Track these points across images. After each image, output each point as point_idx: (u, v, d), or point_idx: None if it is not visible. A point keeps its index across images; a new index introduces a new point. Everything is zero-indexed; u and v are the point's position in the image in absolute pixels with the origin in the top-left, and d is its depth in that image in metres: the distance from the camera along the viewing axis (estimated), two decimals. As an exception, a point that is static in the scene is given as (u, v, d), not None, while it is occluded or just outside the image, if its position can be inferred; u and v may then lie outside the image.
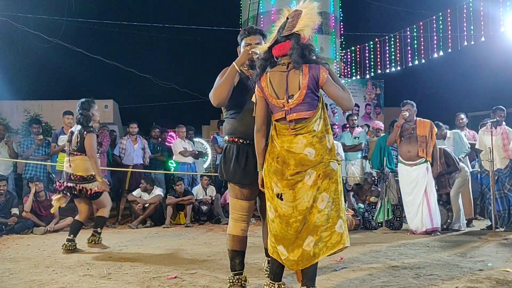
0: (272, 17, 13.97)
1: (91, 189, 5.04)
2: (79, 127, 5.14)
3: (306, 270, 2.80)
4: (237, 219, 3.16)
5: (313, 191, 2.73)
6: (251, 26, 3.36)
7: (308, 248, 2.73)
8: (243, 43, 3.25)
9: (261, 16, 14.03)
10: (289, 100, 2.83)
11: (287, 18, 2.92)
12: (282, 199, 2.80)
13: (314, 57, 2.87)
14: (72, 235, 5.05)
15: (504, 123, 6.44)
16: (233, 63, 3.09)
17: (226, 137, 3.19)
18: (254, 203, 3.26)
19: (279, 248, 2.84)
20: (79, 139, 5.07)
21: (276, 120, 2.90)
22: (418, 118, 6.20)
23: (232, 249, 3.15)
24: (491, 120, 6.32)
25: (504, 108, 6.58)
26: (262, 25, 13.98)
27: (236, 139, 3.12)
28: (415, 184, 6.04)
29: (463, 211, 6.53)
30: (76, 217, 5.33)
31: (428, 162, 6.03)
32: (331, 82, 2.82)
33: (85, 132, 5.05)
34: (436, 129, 6.21)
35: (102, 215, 5.27)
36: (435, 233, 5.90)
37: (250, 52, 3.08)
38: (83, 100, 5.22)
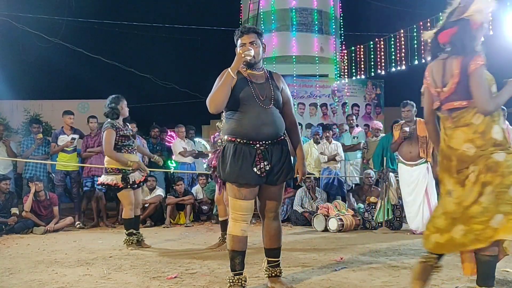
0: (271, 17, 14.00)
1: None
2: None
3: (479, 268, 2.70)
4: (236, 219, 3.15)
5: (478, 187, 2.63)
6: (244, 25, 3.35)
7: (456, 236, 2.66)
8: (238, 43, 3.26)
9: (261, 16, 14.04)
10: (444, 89, 2.77)
11: (459, 3, 2.79)
12: (451, 196, 2.73)
13: (476, 47, 2.72)
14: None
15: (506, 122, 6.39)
16: (228, 69, 3.09)
17: (225, 137, 3.21)
18: (254, 203, 3.25)
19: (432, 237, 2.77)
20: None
21: (437, 111, 2.85)
22: (418, 119, 6.19)
23: (232, 249, 3.15)
24: None
25: (504, 107, 6.57)
26: (262, 25, 13.99)
27: (234, 139, 3.11)
28: (416, 184, 6.03)
29: None
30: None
31: (429, 163, 6.02)
32: (477, 75, 2.64)
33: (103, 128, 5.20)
34: None
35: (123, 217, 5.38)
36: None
37: (243, 55, 3.07)
38: (113, 96, 5.30)
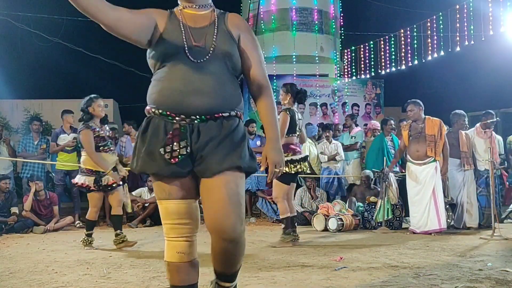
0: (271, 17, 13.99)
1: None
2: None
3: None
4: (168, 233, 2.07)
5: None
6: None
7: None
8: None
9: (261, 16, 14.04)
10: None
11: None
12: None
13: None
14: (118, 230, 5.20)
15: (491, 127, 6.56)
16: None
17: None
18: (194, 205, 2.10)
19: None
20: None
21: None
22: (427, 117, 6.08)
23: (172, 285, 2.12)
24: (483, 123, 6.39)
25: (492, 112, 6.71)
26: (262, 25, 14.01)
27: (152, 109, 2.06)
28: (423, 183, 5.95)
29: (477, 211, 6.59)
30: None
31: (437, 162, 5.97)
32: None
33: (80, 130, 5.13)
34: (445, 128, 6.16)
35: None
36: (435, 233, 5.87)
37: None
38: (86, 98, 5.23)
